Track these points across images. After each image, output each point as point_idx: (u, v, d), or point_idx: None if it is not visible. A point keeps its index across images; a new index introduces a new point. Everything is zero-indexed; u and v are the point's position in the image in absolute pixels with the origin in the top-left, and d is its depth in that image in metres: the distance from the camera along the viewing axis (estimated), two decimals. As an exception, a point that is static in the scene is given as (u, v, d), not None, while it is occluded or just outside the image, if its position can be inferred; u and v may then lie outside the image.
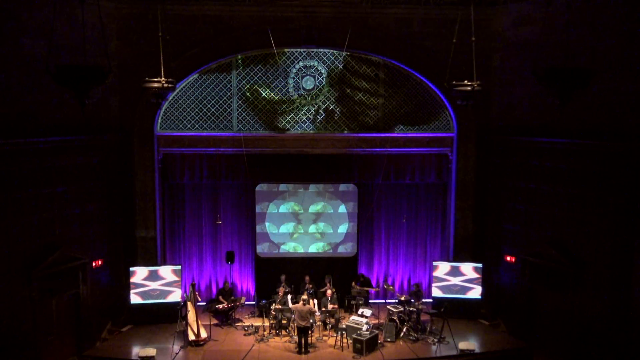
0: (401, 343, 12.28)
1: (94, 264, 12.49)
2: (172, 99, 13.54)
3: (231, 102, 13.76)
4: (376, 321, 12.93)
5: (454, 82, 9.24)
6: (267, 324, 12.76)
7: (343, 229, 14.69)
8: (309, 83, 13.82)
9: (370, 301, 14.08)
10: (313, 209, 14.67)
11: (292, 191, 14.61)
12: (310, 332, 11.94)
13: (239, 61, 13.49)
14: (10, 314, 10.70)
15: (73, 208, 11.94)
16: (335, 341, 12.18)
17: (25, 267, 10.92)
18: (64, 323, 11.82)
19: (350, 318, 12.51)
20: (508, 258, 13.16)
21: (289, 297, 13.23)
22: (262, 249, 14.65)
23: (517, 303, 12.85)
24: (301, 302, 11.87)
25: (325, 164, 13.99)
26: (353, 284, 13.84)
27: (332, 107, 13.91)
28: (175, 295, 13.29)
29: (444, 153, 14.08)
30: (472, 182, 13.80)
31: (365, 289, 13.79)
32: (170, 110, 13.66)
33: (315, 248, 14.77)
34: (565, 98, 7.82)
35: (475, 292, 13.52)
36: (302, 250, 14.77)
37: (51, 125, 11.27)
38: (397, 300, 13.32)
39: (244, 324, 13.23)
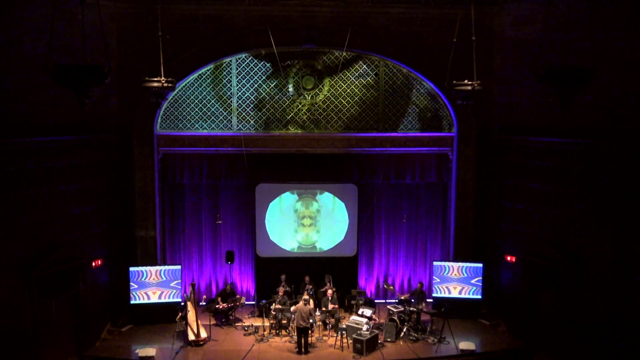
0: (401, 343, 12.28)
1: (93, 264, 12.48)
2: (171, 99, 13.54)
3: (231, 101, 13.75)
4: (376, 321, 12.91)
5: (454, 81, 9.25)
6: (267, 324, 12.76)
7: (343, 229, 14.67)
8: (309, 83, 13.81)
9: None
10: (313, 208, 14.65)
11: (292, 191, 14.60)
12: (310, 332, 11.93)
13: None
14: (10, 314, 10.70)
15: (73, 208, 11.93)
16: (335, 341, 12.18)
17: (25, 267, 10.92)
18: (63, 323, 11.82)
19: (351, 318, 12.50)
20: (508, 258, 13.15)
21: (287, 301, 13.14)
22: (262, 249, 14.64)
23: (517, 303, 12.83)
24: (302, 302, 11.86)
25: (325, 164, 13.99)
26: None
27: (331, 106, 13.91)
28: (175, 295, 13.29)
29: (444, 153, 14.07)
30: (472, 182, 13.79)
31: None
32: (170, 110, 13.65)
33: (315, 248, 14.76)
34: (566, 98, 7.81)
35: (475, 292, 13.52)
36: (302, 250, 14.76)
37: (51, 125, 11.26)
38: (397, 300, 13.32)
39: (244, 324, 13.22)
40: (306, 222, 14.65)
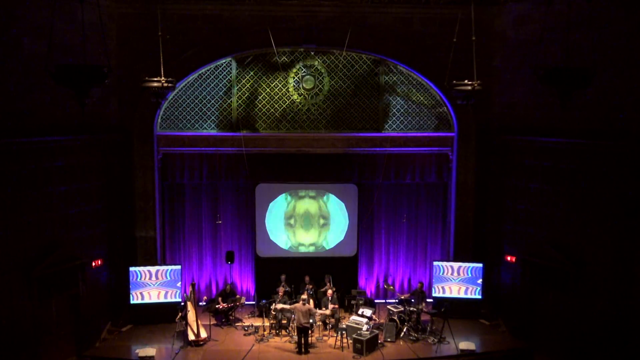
0: (401, 343, 12.27)
1: (93, 264, 12.48)
2: (171, 99, 13.54)
3: (231, 101, 13.75)
4: (376, 321, 12.91)
5: (454, 81, 9.25)
6: (267, 324, 12.76)
7: (343, 228, 14.67)
8: (309, 83, 13.81)
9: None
10: (313, 208, 14.65)
11: (292, 191, 14.60)
12: (310, 332, 11.93)
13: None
14: (10, 314, 10.69)
15: (73, 208, 11.92)
16: (335, 341, 12.18)
17: (25, 267, 10.91)
18: (63, 323, 11.81)
19: (351, 318, 12.50)
20: (508, 258, 13.14)
21: (283, 304, 12.99)
22: (262, 249, 14.63)
23: (517, 303, 12.83)
24: (301, 302, 11.87)
25: (325, 164, 13.98)
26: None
27: (331, 106, 13.91)
28: (175, 295, 13.29)
29: (444, 153, 14.07)
30: (472, 182, 13.78)
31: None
32: (170, 110, 13.65)
33: (315, 248, 14.75)
34: (566, 98, 7.82)
35: (476, 292, 13.52)
36: (302, 250, 14.75)
37: (51, 125, 11.25)
38: (397, 300, 13.32)
39: (244, 324, 13.22)
40: (306, 222, 14.64)
